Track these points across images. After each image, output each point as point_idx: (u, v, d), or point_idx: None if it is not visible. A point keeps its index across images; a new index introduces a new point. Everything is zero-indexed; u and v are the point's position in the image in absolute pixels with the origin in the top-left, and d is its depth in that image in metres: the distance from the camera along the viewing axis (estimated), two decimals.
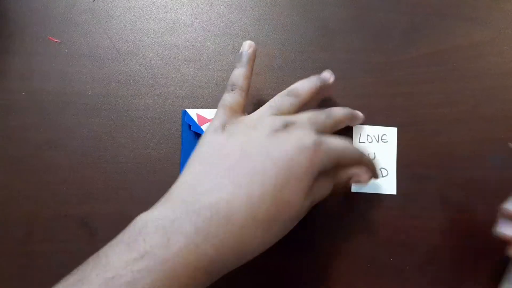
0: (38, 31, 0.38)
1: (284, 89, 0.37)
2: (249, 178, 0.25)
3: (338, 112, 0.33)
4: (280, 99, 0.31)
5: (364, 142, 0.36)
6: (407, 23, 0.39)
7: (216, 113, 0.30)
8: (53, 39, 0.38)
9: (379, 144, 0.35)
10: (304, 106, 0.32)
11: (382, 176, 0.35)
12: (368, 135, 0.36)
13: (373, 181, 0.33)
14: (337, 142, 0.29)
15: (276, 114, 0.30)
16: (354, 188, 0.35)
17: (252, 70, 0.33)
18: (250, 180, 0.25)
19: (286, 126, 0.28)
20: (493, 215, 0.34)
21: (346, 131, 0.36)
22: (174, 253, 0.22)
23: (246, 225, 0.24)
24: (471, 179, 0.35)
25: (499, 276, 0.33)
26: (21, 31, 0.38)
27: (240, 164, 0.26)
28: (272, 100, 0.31)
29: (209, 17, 0.39)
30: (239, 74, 0.32)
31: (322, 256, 0.34)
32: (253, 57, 0.33)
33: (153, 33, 0.38)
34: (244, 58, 0.32)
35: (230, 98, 0.31)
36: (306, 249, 0.34)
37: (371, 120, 0.36)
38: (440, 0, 0.39)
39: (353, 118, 0.34)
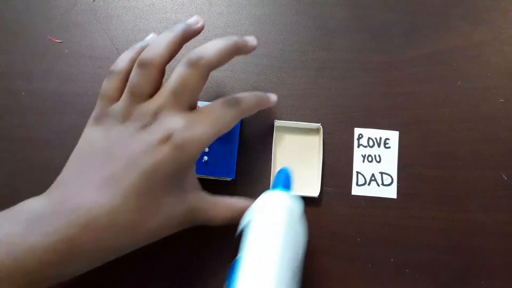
0: (38, 31, 0.38)
1: (285, 89, 0.37)
2: (112, 184, 0.25)
3: (247, 99, 0.29)
4: (135, 79, 0.27)
5: (365, 146, 0.36)
6: (407, 23, 0.39)
7: (96, 104, 0.29)
8: (54, 39, 0.38)
9: (381, 149, 0.35)
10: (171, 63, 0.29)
11: (387, 185, 0.35)
12: (369, 138, 0.36)
13: None
14: (208, 121, 0.27)
15: (139, 99, 0.27)
16: (355, 191, 0.35)
17: (137, 55, 0.30)
18: (113, 187, 0.24)
19: (154, 115, 0.26)
20: (493, 215, 0.34)
21: (345, 132, 0.36)
22: (29, 245, 0.22)
23: (106, 232, 0.24)
24: (471, 179, 0.35)
25: (498, 276, 0.33)
26: (21, 31, 0.38)
27: (106, 168, 0.25)
28: (129, 80, 0.28)
29: (209, 17, 0.39)
30: (123, 56, 0.30)
31: (323, 256, 0.34)
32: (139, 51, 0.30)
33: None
34: (137, 44, 0.31)
35: (106, 84, 0.29)
36: (306, 250, 0.34)
37: (371, 120, 0.36)
38: (440, 0, 0.39)
39: (262, 103, 0.31)
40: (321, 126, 0.35)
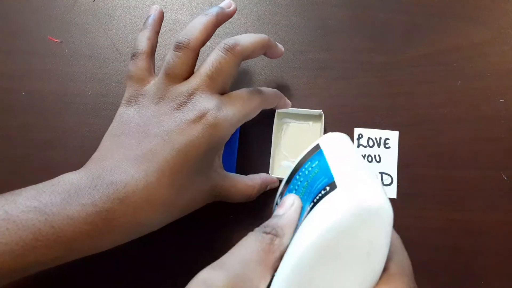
0: (39, 31, 0.38)
1: (285, 89, 0.37)
2: (147, 161, 0.26)
3: (268, 91, 0.32)
4: (171, 60, 0.29)
5: (365, 146, 0.36)
6: (407, 23, 0.39)
7: (126, 86, 0.30)
8: (53, 39, 0.38)
9: (381, 149, 0.35)
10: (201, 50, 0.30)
11: (387, 185, 0.35)
12: (369, 138, 0.36)
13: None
14: (238, 104, 0.29)
15: (174, 80, 0.28)
16: None
17: (156, 31, 0.32)
18: (148, 163, 0.26)
19: (189, 96, 0.28)
20: (493, 215, 0.34)
21: (345, 132, 0.36)
22: (66, 215, 0.23)
23: (141, 207, 0.25)
24: (471, 179, 0.35)
25: (498, 276, 0.33)
26: (22, 31, 0.38)
27: (141, 144, 0.26)
28: (165, 62, 0.29)
29: None
30: (140, 36, 0.31)
31: None
32: (158, 19, 0.32)
33: None
34: (148, 20, 0.32)
35: (133, 67, 0.30)
36: None
37: (371, 120, 0.36)
38: (440, 0, 0.39)
39: (280, 98, 0.34)
40: (322, 112, 0.35)
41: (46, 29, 0.38)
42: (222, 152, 0.31)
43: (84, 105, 0.36)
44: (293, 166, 0.27)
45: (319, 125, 0.36)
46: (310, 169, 0.25)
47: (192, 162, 0.26)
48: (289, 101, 0.35)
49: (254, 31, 0.38)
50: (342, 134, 0.27)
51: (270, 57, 0.34)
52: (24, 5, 0.39)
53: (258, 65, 0.38)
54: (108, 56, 0.38)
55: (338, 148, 0.25)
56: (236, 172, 0.35)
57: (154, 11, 0.32)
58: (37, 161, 0.35)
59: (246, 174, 0.33)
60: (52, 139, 0.36)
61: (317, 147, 0.26)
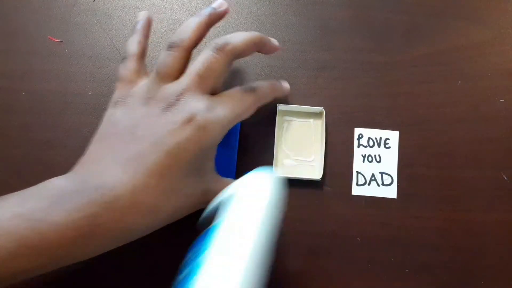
0: (39, 31, 0.38)
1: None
2: (135, 163, 0.25)
3: (262, 85, 0.31)
4: (162, 60, 0.28)
5: (365, 146, 0.36)
6: (407, 23, 0.39)
7: (116, 88, 0.30)
8: (54, 39, 0.38)
9: (381, 149, 0.35)
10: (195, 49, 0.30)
11: (387, 185, 0.35)
12: (369, 138, 0.36)
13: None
14: (229, 104, 0.28)
15: (165, 79, 0.28)
16: (355, 191, 0.35)
17: (146, 36, 0.31)
18: (136, 166, 0.25)
19: (179, 96, 0.27)
20: (493, 215, 0.34)
21: (345, 132, 0.36)
22: (51, 221, 0.23)
23: (128, 212, 0.24)
24: (471, 179, 0.35)
25: (498, 277, 0.33)
26: (22, 31, 0.38)
27: (129, 147, 0.26)
28: (158, 62, 0.29)
29: None
30: (131, 40, 0.31)
31: (323, 256, 0.34)
32: (147, 25, 0.32)
33: (154, 33, 0.38)
34: (137, 26, 0.32)
35: (123, 68, 0.30)
36: (306, 249, 0.34)
37: (371, 120, 0.36)
38: (440, 0, 0.39)
39: (277, 90, 0.33)
40: (323, 110, 0.35)
41: (46, 29, 0.38)
42: (214, 154, 0.30)
43: (84, 105, 0.36)
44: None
45: (320, 123, 0.36)
46: (191, 260, 0.24)
47: (181, 165, 0.26)
48: (286, 84, 0.34)
49: (254, 31, 0.38)
50: (266, 192, 0.24)
51: (265, 54, 0.33)
52: (24, 5, 0.39)
53: (258, 65, 0.38)
54: (108, 56, 0.38)
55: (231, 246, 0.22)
56: (236, 173, 0.35)
57: (142, 17, 0.32)
58: (37, 161, 0.35)
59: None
60: (52, 139, 0.36)
61: (216, 222, 0.23)
